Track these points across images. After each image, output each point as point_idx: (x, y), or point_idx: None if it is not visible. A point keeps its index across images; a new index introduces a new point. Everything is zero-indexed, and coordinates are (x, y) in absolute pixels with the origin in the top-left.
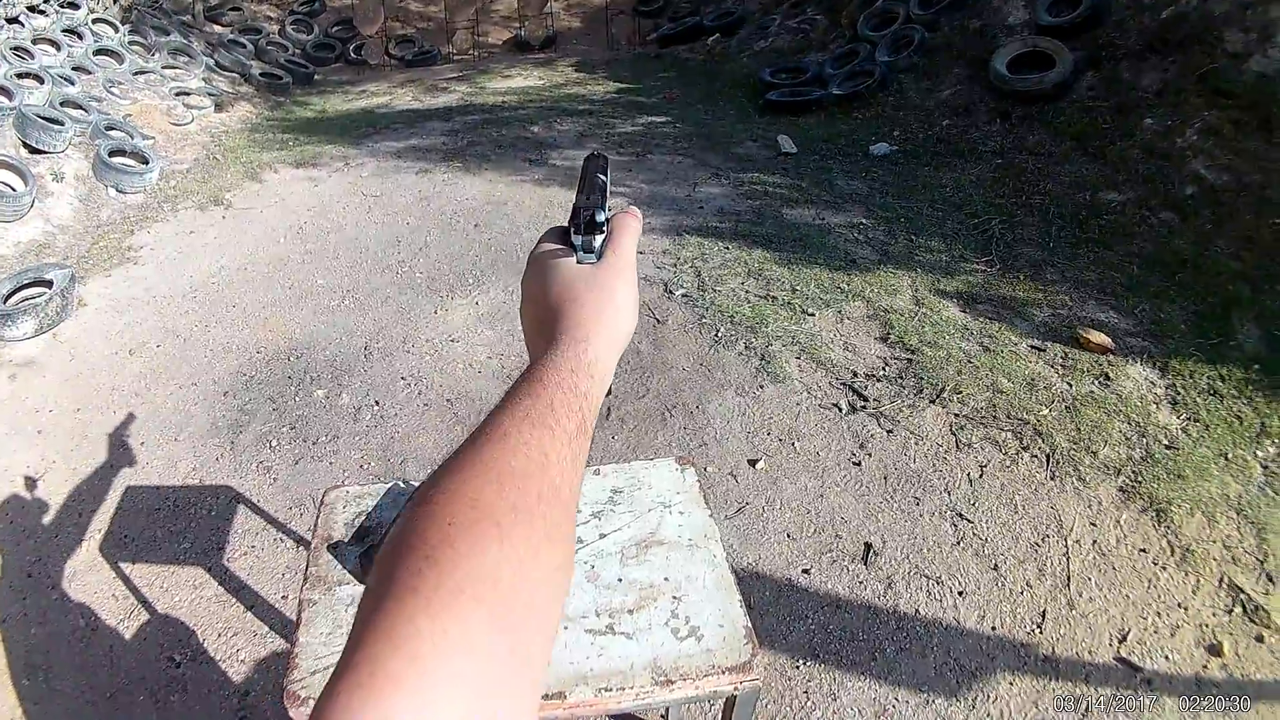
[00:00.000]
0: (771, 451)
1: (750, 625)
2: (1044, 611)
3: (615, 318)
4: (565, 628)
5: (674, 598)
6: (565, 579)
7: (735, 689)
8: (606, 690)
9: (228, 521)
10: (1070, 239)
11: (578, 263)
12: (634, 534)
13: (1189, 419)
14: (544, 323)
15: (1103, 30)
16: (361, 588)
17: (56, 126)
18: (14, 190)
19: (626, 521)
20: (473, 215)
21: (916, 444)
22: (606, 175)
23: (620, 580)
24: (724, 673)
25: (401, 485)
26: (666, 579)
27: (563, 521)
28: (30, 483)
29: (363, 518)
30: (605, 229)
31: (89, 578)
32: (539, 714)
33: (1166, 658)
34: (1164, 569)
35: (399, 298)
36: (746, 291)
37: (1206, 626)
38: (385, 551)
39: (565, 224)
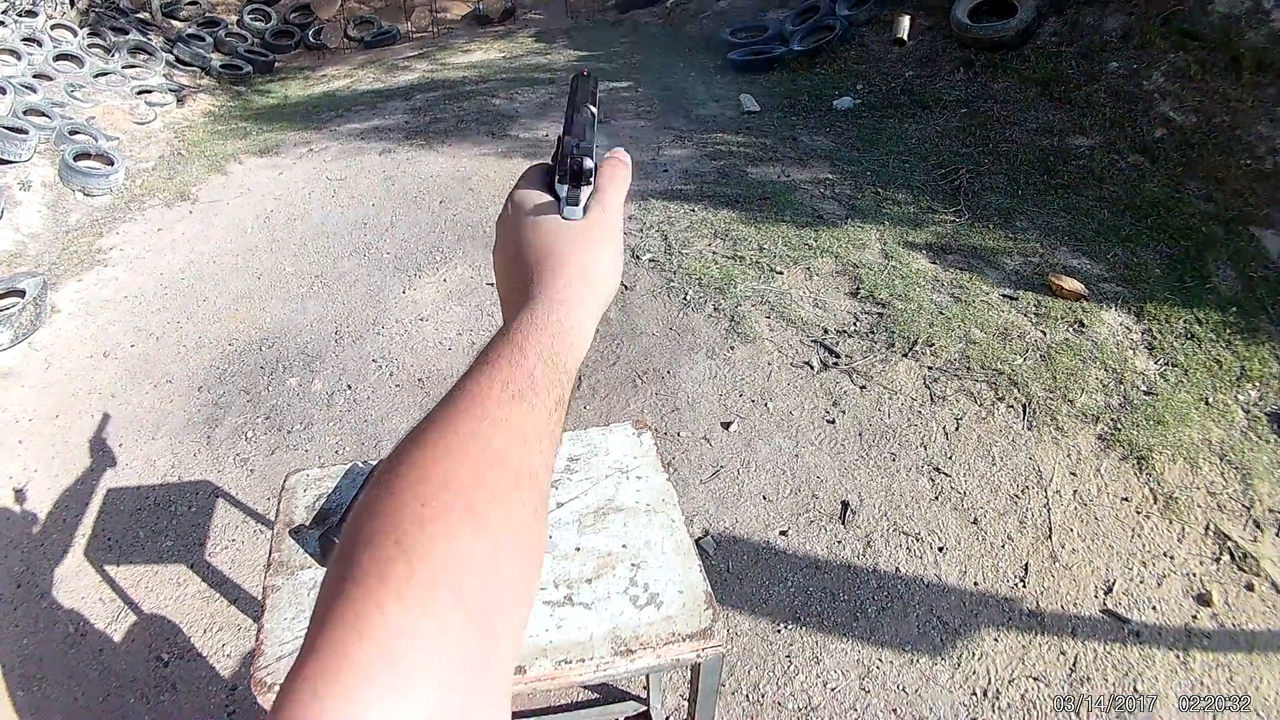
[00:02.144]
0: (744, 413)
1: (710, 590)
2: (1027, 565)
3: (600, 283)
4: None
5: (632, 565)
6: (537, 569)
7: (698, 656)
8: (566, 662)
9: (207, 517)
10: (1039, 186)
11: (564, 218)
12: (591, 501)
13: (1167, 364)
14: (521, 281)
15: None
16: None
17: (21, 135)
18: None
19: (583, 489)
20: (437, 192)
21: (890, 399)
22: (597, 104)
23: (578, 549)
24: (685, 640)
25: (360, 465)
26: (625, 546)
27: (539, 507)
28: (15, 493)
29: (322, 500)
30: (592, 179)
31: (76, 583)
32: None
33: (1154, 608)
34: (1148, 518)
35: (367, 280)
36: (714, 253)
37: (1194, 575)
38: (349, 531)
39: (549, 161)
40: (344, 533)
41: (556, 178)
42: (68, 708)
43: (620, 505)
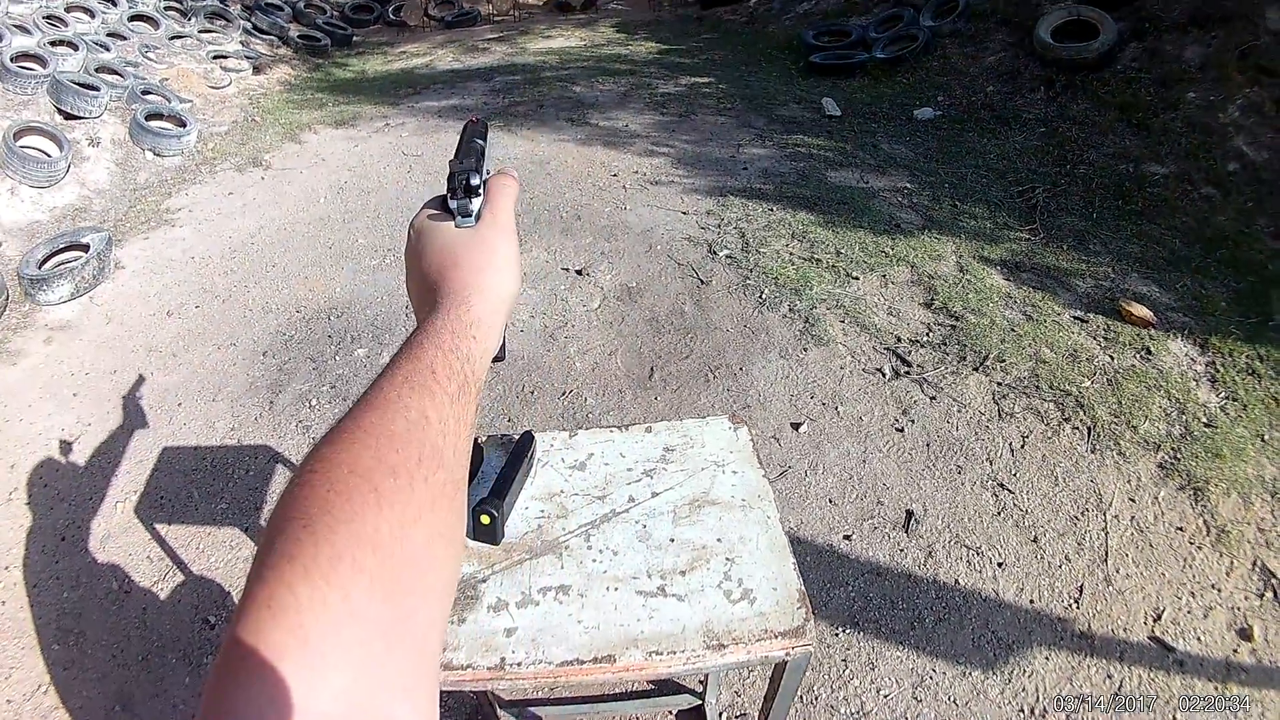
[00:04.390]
0: (815, 415)
1: (804, 589)
2: (1082, 586)
3: (496, 278)
4: (615, 589)
5: (727, 559)
6: (453, 542)
7: (787, 654)
8: (657, 654)
9: (266, 481)
10: (1113, 210)
11: (456, 227)
12: (686, 493)
13: (1227, 398)
14: (426, 290)
15: (1145, 1)
16: None
17: (92, 92)
18: (49, 156)
19: (679, 480)
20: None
21: (959, 412)
22: (485, 140)
23: (672, 540)
24: (776, 637)
25: None
26: (719, 540)
27: (446, 484)
28: (65, 446)
29: None
30: (481, 192)
31: (123, 540)
32: (588, 676)
33: (1199, 639)
34: (1200, 549)
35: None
36: (791, 254)
37: (1238, 609)
38: (269, 521)
39: (443, 193)
40: (266, 525)
41: (448, 196)
42: (105, 664)
43: (716, 499)
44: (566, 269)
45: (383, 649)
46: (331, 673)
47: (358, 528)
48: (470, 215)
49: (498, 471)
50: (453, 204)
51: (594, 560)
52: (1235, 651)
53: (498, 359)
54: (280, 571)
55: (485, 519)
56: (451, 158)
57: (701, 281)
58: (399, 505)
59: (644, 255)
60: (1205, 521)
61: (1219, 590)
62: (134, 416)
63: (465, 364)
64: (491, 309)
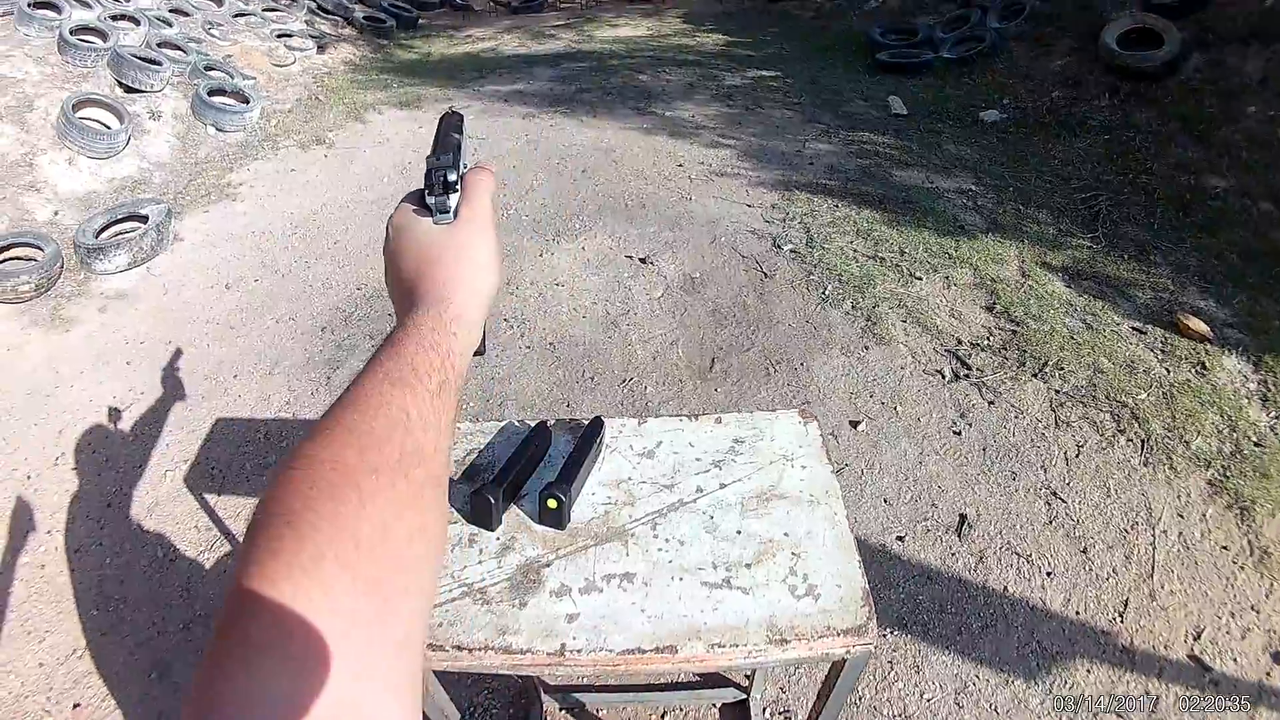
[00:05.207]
0: (873, 414)
1: (868, 588)
2: (1127, 600)
3: (475, 274)
4: (680, 579)
5: (793, 554)
6: (434, 538)
7: (848, 652)
8: (719, 646)
9: None
10: (1174, 222)
11: (434, 224)
12: (755, 486)
13: (1277, 417)
14: (406, 287)
15: (1209, 12)
16: (471, 528)
17: (154, 66)
18: (108, 128)
19: (748, 472)
20: (580, 161)
21: (1016, 418)
22: (461, 134)
23: (739, 533)
24: (838, 635)
25: (515, 424)
26: (786, 534)
27: (427, 480)
28: (115, 413)
29: (474, 455)
30: (458, 188)
31: (171, 508)
32: (649, 666)
33: (1235, 660)
34: (1242, 569)
35: (504, 239)
36: (855, 251)
37: (1275, 633)
38: (251, 518)
39: (420, 188)
40: (249, 522)
41: (426, 192)
42: (144, 631)
43: (784, 493)
44: (630, 257)
45: (364, 644)
46: (315, 667)
47: (339, 525)
48: (448, 212)
49: (566, 456)
50: (430, 200)
51: (659, 549)
52: (1269, 675)
53: (479, 353)
54: (264, 567)
55: (552, 503)
56: (429, 153)
57: (765, 275)
58: (380, 502)
59: (708, 246)
60: (1250, 541)
61: (1258, 612)
62: (188, 387)
63: (446, 360)
64: (472, 305)
